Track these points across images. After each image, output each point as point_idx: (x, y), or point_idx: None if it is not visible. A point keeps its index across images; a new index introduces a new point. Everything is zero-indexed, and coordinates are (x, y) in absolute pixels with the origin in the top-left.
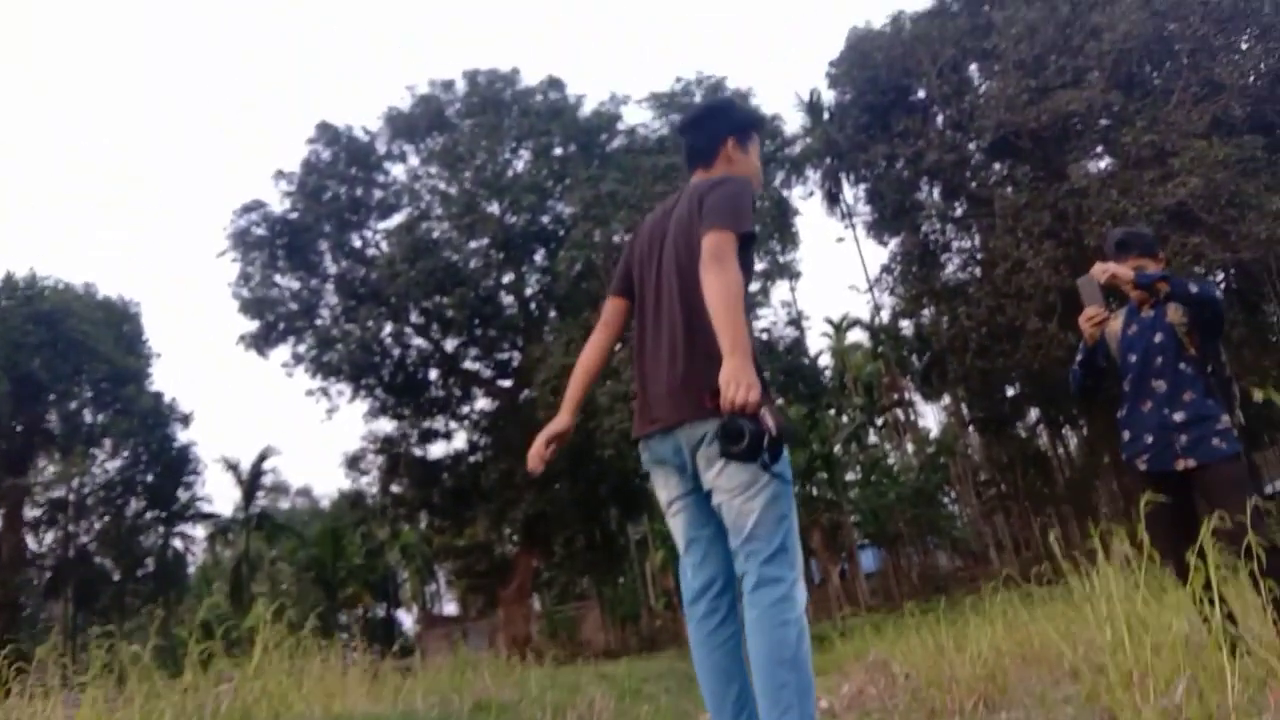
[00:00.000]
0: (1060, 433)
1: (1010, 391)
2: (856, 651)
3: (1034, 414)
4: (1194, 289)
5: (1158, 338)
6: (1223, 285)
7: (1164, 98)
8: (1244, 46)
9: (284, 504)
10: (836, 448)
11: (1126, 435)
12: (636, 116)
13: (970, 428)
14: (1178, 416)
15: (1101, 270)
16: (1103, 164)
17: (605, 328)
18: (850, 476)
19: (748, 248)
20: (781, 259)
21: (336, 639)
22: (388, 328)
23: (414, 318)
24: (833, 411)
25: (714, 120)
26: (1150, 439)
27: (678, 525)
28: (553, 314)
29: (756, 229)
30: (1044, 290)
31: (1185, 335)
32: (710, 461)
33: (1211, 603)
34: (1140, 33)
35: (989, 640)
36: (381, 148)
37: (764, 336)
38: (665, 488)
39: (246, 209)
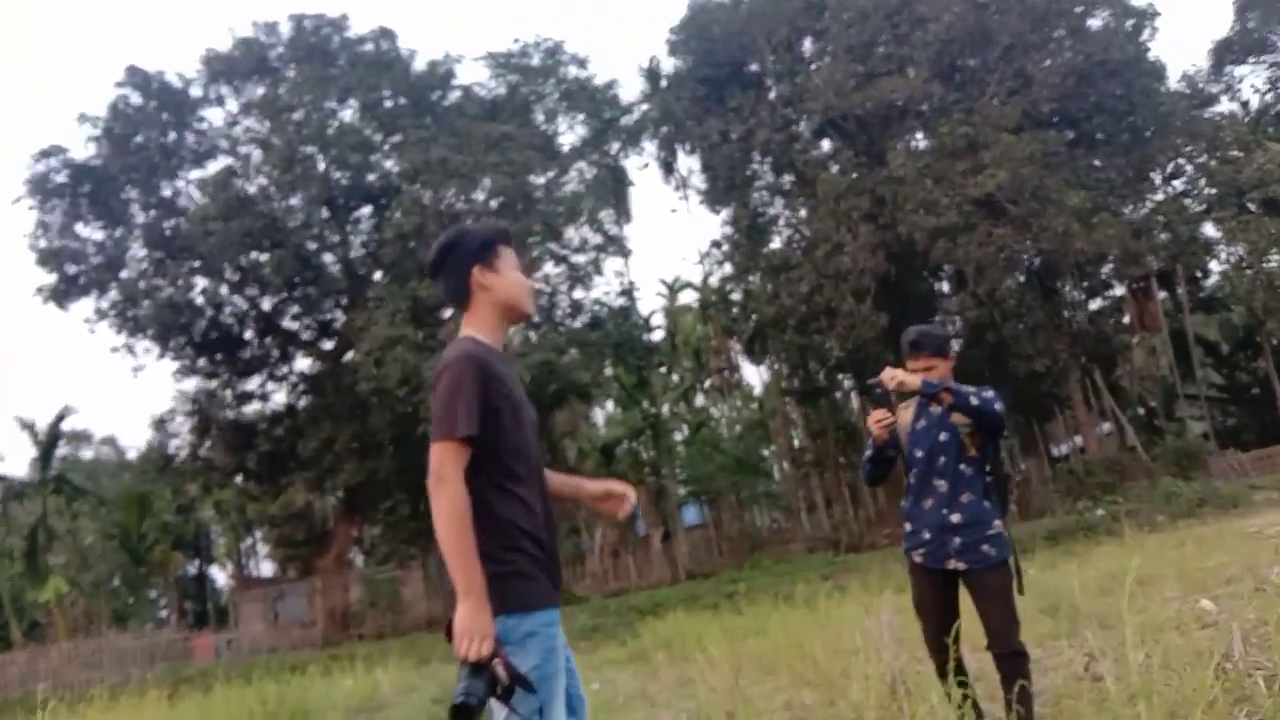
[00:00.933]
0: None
1: (825, 367)
2: (670, 648)
3: (847, 383)
4: (974, 402)
5: (942, 436)
6: (1023, 276)
7: (980, 90)
8: (1054, 44)
9: (87, 453)
10: (665, 408)
11: (909, 528)
12: (472, 75)
13: (787, 397)
14: (954, 518)
15: (890, 377)
16: (922, 145)
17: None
18: (678, 436)
19: (495, 418)
20: (614, 230)
21: (144, 607)
22: (200, 283)
23: (229, 274)
24: (664, 370)
25: (452, 258)
26: (928, 535)
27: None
28: (379, 276)
29: (470, 430)
30: (859, 273)
31: (968, 436)
32: None
33: (963, 684)
34: (963, 24)
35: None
36: (198, 91)
37: (596, 309)
38: None
39: (45, 154)
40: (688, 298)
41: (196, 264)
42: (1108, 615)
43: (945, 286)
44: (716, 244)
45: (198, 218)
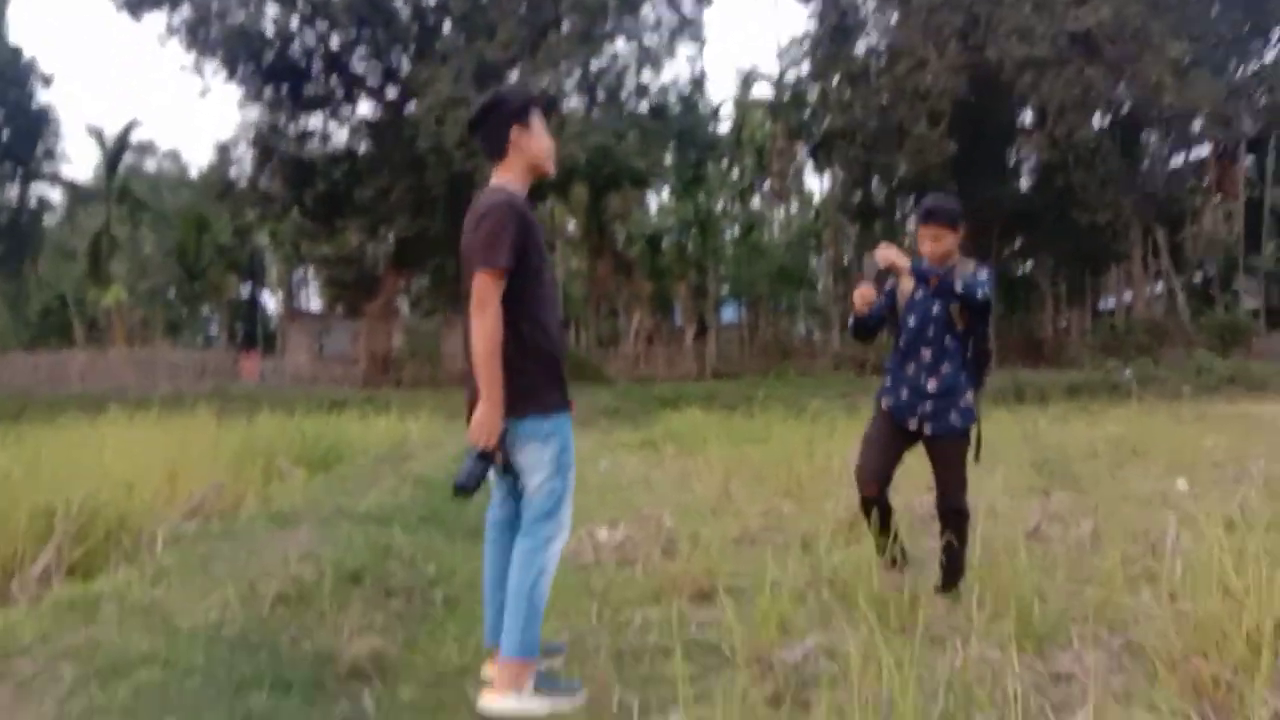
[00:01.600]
0: None
1: (888, 187)
2: (680, 442)
3: (907, 206)
4: (958, 289)
5: (934, 309)
6: (1105, 123)
7: None
8: None
9: (150, 165)
10: (719, 205)
11: (887, 382)
12: None
13: (844, 214)
14: (931, 385)
15: (883, 257)
16: None
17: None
18: (727, 235)
19: (525, 259)
20: (692, 12)
21: (196, 322)
22: (271, 12)
23: (300, 6)
24: (726, 163)
25: (494, 115)
26: (905, 395)
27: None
28: (448, 28)
29: (509, 263)
30: (939, 95)
31: (958, 312)
32: (510, 440)
33: (885, 521)
34: None
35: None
36: None
37: (663, 94)
38: None
39: None
40: (760, 92)
41: None
42: (1087, 480)
43: (1026, 120)
44: (798, 40)
45: None
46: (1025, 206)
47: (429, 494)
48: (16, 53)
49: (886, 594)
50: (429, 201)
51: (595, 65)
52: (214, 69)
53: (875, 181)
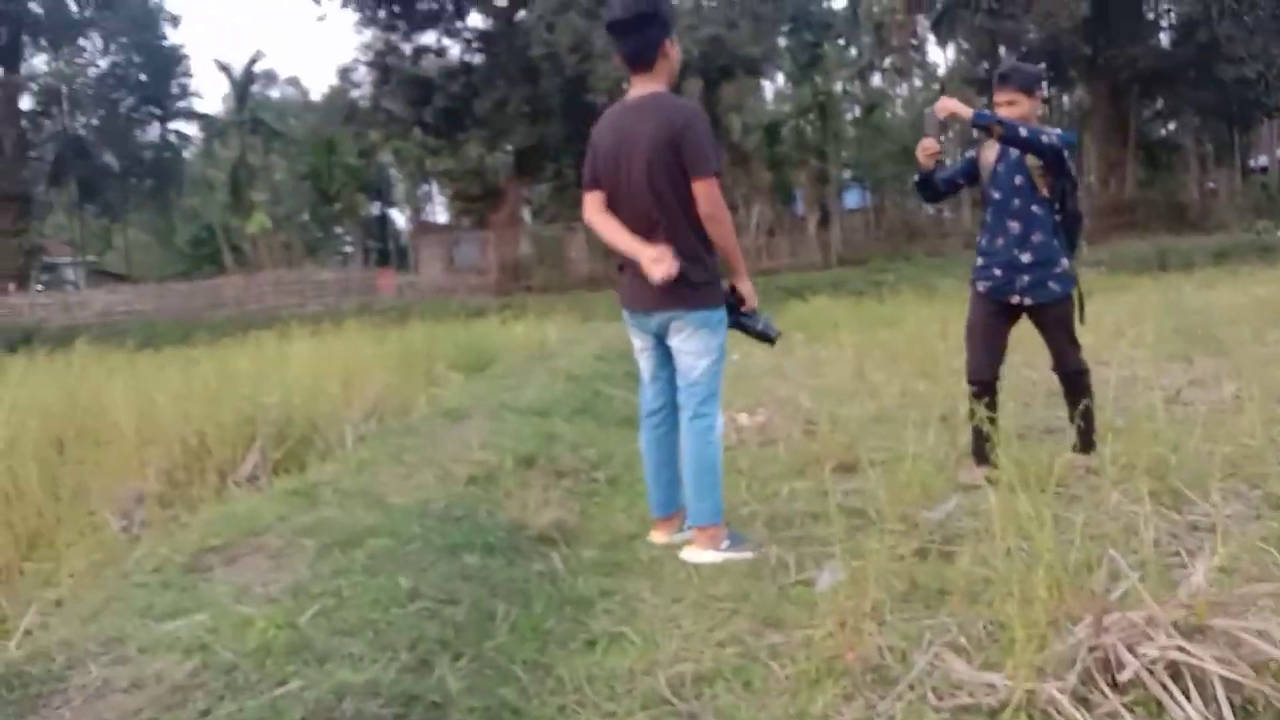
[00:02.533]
0: (1059, 101)
1: (1017, 54)
2: (808, 330)
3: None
4: (1024, 133)
5: (1017, 179)
6: None
7: None
8: None
9: (274, 93)
10: (838, 86)
11: (980, 262)
12: None
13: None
14: (1025, 257)
15: (943, 107)
16: None
17: (604, 211)
18: (848, 117)
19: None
20: None
21: (331, 242)
22: None
23: None
24: (842, 42)
25: (649, 26)
26: (999, 272)
27: (645, 364)
28: None
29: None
30: None
31: (1040, 177)
32: (678, 331)
33: (991, 410)
34: None
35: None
36: None
37: None
38: (639, 338)
39: None
40: None
41: None
42: (1232, 344)
43: None
44: None
45: None
46: (1165, 64)
47: (579, 387)
48: None
49: (1024, 458)
50: (545, 110)
51: None
52: None
53: (1003, 51)
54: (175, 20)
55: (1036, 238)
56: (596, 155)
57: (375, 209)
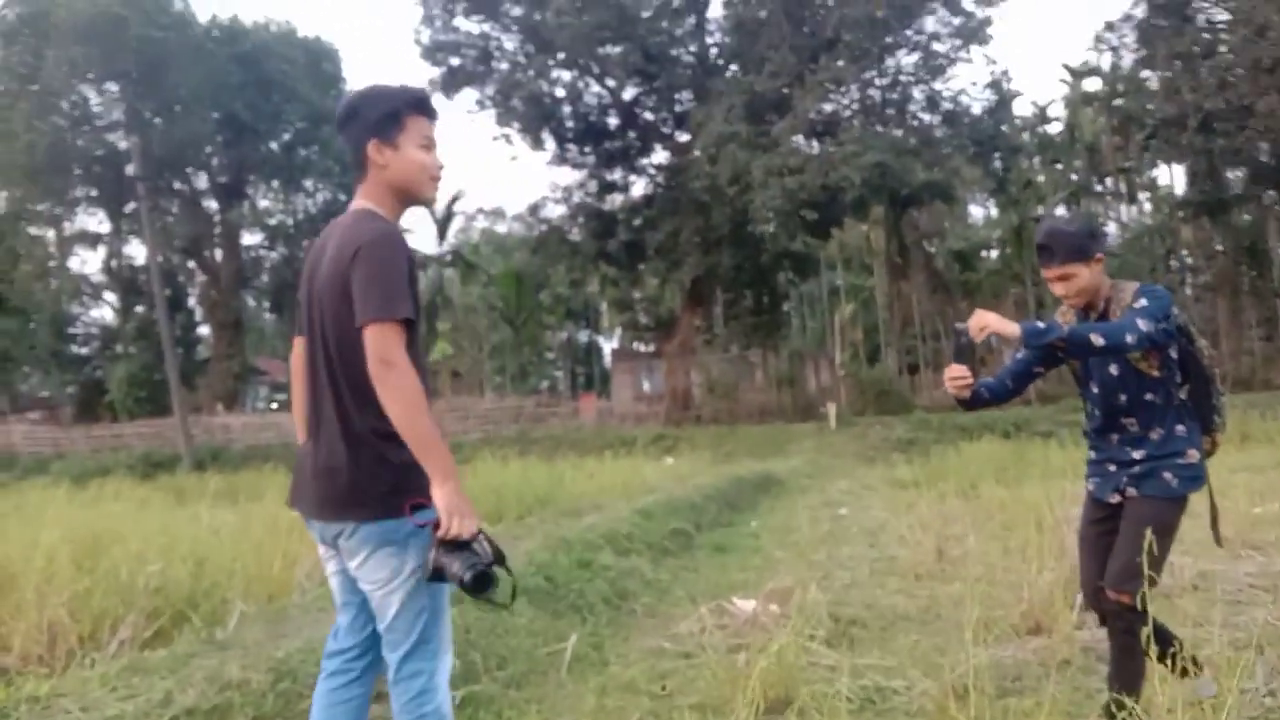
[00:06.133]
0: None
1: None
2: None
3: (1269, 196)
4: (1098, 342)
5: (1113, 369)
6: None
7: None
8: None
9: (479, 223)
10: (1039, 210)
11: (1092, 455)
12: None
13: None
14: (1138, 454)
15: (978, 325)
16: None
17: (298, 368)
18: None
19: (413, 326)
20: (978, 11)
21: (542, 367)
22: (565, 75)
23: (591, 67)
24: (1059, 166)
25: (352, 125)
26: (1110, 469)
27: (333, 588)
28: (732, 69)
29: (410, 313)
30: None
31: (1141, 360)
32: (352, 554)
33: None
34: None
35: None
36: None
37: (950, 106)
38: (322, 548)
39: None
40: (1091, 86)
41: (560, 56)
42: None
43: None
44: (1110, 25)
45: (557, 10)
46: None
47: (565, 555)
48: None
49: None
50: (715, 241)
51: (879, 81)
52: (519, 135)
53: (1228, 171)
54: None
55: (1156, 434)
56: (299, 289)
57: (584, 336)
